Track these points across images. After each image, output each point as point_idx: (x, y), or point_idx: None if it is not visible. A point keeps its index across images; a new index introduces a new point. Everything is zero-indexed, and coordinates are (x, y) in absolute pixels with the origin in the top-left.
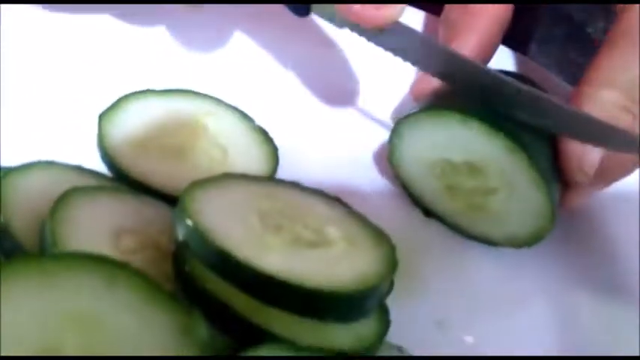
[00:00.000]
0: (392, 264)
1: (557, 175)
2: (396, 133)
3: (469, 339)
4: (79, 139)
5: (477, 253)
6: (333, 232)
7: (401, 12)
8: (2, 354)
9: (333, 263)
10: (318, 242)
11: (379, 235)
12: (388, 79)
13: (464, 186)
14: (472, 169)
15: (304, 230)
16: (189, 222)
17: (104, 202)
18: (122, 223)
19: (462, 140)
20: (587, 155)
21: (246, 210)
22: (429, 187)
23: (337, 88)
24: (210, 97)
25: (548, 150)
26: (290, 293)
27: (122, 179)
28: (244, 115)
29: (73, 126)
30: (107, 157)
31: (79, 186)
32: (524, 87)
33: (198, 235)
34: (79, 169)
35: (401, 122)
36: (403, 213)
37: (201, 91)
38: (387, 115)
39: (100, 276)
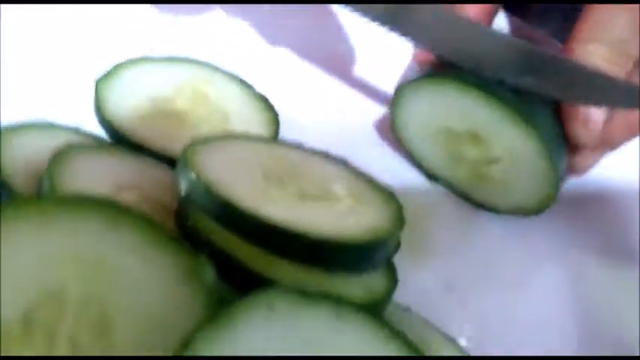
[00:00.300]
0: (400, 220)
1: (562, 142)
2: (397, 101)
3: (476, 302)
4: (76, 105)
5: (484, 218)
6: (339, 189)
7: None
8: (3, 297)
9: (340, 217)
10: (324, 197)
11: (386, 194)
12: (390, 47)
13: (467, 155)
14: (474, 138)
15: (309, 186)
16: (192, 175)
17: (104, 158)
18: (122, 179)
19: (463, 109)
20: (590, 115)
21: (248, 165)
22: (432, 154)
23: (337, 58)
24: (209, 65)
25: (553, 119)
26: (298, 243)
27: (121, 143)
28: (243, 83)
29: (70, 92)
30: (105, 120)
31: (79, 142)
32: (534, 47)
33: (202, 187)
34: (77, 131)
35: (401, 89)
36: (407, 179)
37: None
38: (388, 83)
39: (102, 218)
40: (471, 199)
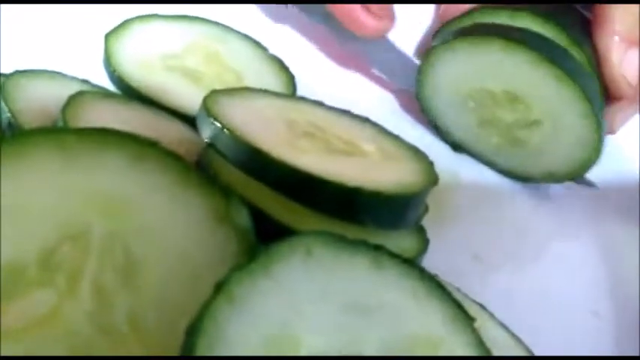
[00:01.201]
0: (432, 176)
1: (602, 101)
2: (427, 63)
3: (504, 274)
4: (83, 60)
5: (512, 188)
6: (366, 144)
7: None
8: (19, 237)
9: (371, 170)
10: (352, 152)
11: (416, 152)
12: (408, 14)
13: (502, 119)
14: (512, 99)
15: (336, 140)
16: (216, 122)
17: (117, 107)
18: (135, 129)
19: (505, 68)
20: (628, 57)
21: (272, 117)
22: (460, 122)
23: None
24: (220, 25)
25: (593, 76)
26: (331, 193)
27: (131, 97)
28: (257, 44)
29: (78, 48)
30: (115, 73)
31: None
32: None
33: (228, 134)
34: (87, 82)
35: (435, 50)
36: (430, 148)
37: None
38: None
39: (127, 153)
40: (500, 167)
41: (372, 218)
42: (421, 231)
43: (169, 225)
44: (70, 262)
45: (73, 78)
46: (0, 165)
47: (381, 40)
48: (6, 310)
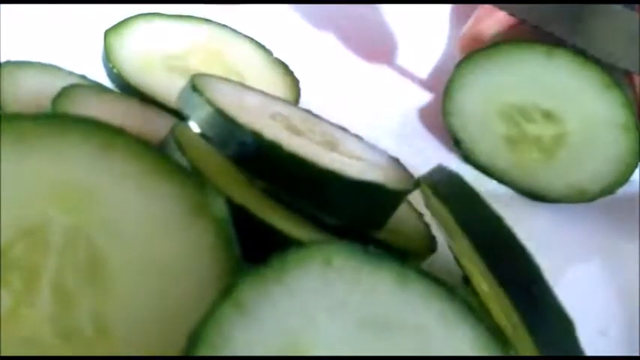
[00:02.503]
0: (407, 183)
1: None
2: (459, 74)
3: None
4: (81, 56)
5: (527, 206)
6: (348, 148)
7: None
8: None
9: (346, 165)
10: (333, 149)
11: (397, 162)
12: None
13: (532, 135)
14: (546, 112)
15: (319, 136)
16: (208, 107)
17: (110, 102)
18: (127, 123)
19: (545, 75)
20: None
21: (256, 105)
22: (487, 137)
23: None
24: (225, 26)
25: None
26: (301, 171)
27: (130, 94)
28: (261, 46)
29: (76, 43)
30: (113, 70)
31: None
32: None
33: (221, 119)
34: (84, 77)
35: (470, 59)
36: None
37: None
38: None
39: (92, 141)
40: (519, 186)
41: (337, 205)
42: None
43: (139, 217)
44: (27, 260)
45: (70, 72)
46: None
47: None
48: None
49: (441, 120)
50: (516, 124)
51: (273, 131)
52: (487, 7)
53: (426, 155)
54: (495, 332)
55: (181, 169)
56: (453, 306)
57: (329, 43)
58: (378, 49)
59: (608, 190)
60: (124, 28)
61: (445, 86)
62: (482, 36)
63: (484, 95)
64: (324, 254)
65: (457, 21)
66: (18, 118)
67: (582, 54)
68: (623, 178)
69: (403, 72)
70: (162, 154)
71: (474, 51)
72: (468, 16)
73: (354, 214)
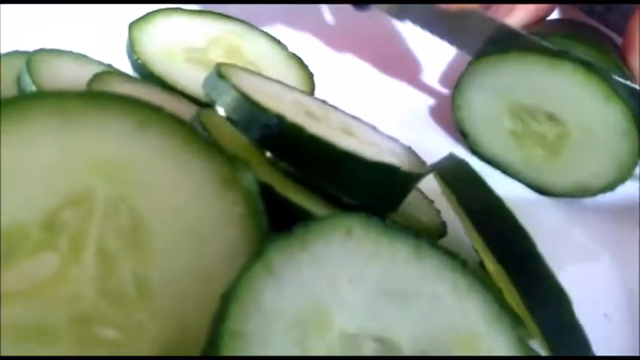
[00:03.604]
0: (421, 167)
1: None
2: (471, 72)
3: None
4: (105, 50)
5: (537, 201)
6: (364, 136)
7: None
8: (21, 200)
9: (363, 148)
10: (350, 135)
11: (411, 150)
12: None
13: (537, 133)
14: (551, 115)
15: (336, 124)
16: (234, 92)
17: (140, 89)
18: None
19: (551, 84)
20: None
21: (277, 93)
22: (493, 134)
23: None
24: (242, 22)
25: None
26: (321, 152)
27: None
28: (277, 41)
29: (101, 38)
30: (138, 60)
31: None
32: None
33: (246, 103)
34: (111, 67)
35: (482, 61)
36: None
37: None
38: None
39: (131, 118)
40: (529, 180)
41: (355, 185)
42: (438, 215)
43: (175, 189)
44: (73, 225)
45: (98, 62)
46: (0, 126)
47: None
48: (7, 273)
49: (450, 115)
50: (523, 121)
51: (295, 115)
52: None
53: (435, 149)
54: (505, 305)
55: (213, 146)
56: (465, 278)
57: (342, 40)
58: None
59: (609, 187)
60: (147, 23)
61: (456, 81)
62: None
63: (493, 93)
64: (346, 225)
65: None
66: (64, 94)
67: (587, 64)
68: (623, 177)
69: (416, 68)
70: (195, 131)
71: (486, 53)
72: None
73: (370, 194)
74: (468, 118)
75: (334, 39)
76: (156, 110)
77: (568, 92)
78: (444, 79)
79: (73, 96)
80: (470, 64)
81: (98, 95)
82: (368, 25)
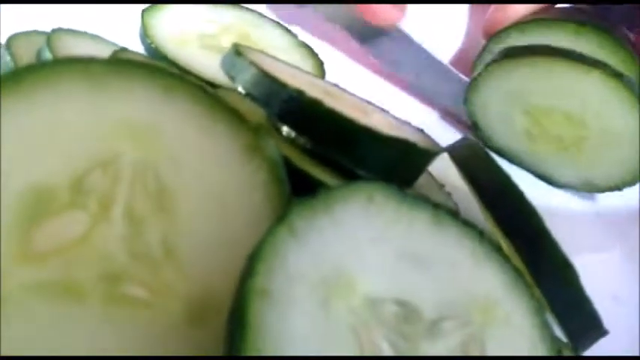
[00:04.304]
0: (434, 147)
1: None
2: (488, 72)
3: None
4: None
5: (547, 194)
6: (377, 116)
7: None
8: (50, 162)
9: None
10: (364, 115)
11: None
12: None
13: (553, 134)
14: (569, 116)
15: (351, 103)
16: (253, 68)
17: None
18: None
19: (573, 88)
20: None
21: (294, 73)
22: (507, 131)
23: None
24: (253, 11)
25: None
26: (339, 127)
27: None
28: (287, 30)
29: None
30: (152, 45)
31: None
32: None
33: (266, 79)
34: (125, 49)
35: (499, 63)
36: None
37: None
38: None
39: (156, 84)
40: (533, 170)
41: (371, 160)
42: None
43: (200, 155)
44: (102, 187)
45: (113, 43)
46: (29, 91)
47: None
48: (37, 232)
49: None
50: (538, 123)
51: (313, 92)
52: None
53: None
54: (522, 275)
55: (236, 114)
56: (483, 246)
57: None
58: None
59: (617, 187)
60: (159, 10)
61: (471, 79)
62: (506, 20)
63: (510, 95)
64: (367, 191)
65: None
66: (91, 60)
67: (617, 75)
68: (633, 181)
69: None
70: (219, 99)
71: (503, 56)
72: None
73: (386, 169)
74: (481, 114)
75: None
76: (180, 78)
77: (593, 99)
78: (458, 64)
79: (100, 62)
80: (488, 65)
81: (124, 62)
82: None
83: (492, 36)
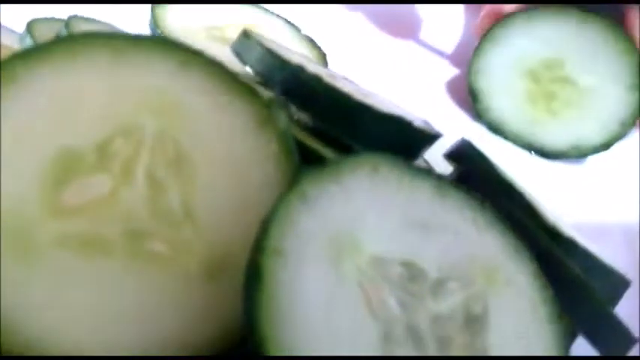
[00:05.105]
0: (434, 132)
1: None
2: (494, 33)
3: None
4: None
5: (543, 168)
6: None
7: None
8: (76, 127)
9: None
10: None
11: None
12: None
13: (549, 90)
14: (565, 79)
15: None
16: (259, 47)
17: None
18: None
19: (577, 37)
20: None
21: (303, 59)
22: (507, 93)
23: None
24: (258, 6)
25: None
26: (342, 104)
27: None
28: (290, 23)
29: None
30: (162, 34)
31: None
32: None
33: (271, 57)
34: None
35: (512, 18)
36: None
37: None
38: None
39: (174, 58)
40: (526, 142)
41: (369, 136)
42: None
43: (215, 126)
44: (125, 152)
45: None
46: (59, 60)
47: None
48: (66, 189)
49: (461, 94)
50: (538, 81)
51: (314, 68)
52: None
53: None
54: (524, 242)
55: (249, 88)
56: (484, 214)
57: (355, 20)
58: (403, 25)
59: (607, 145)
60: (168, 4)
61: (477, 44)
62: (502, 13)
63: (513, 57)
64: (372, 162)
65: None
66: (113, 35)
67: (610, 20)
68: (621, 134)
69: (426, 47)
70: (233, 75)
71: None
72: None
73: (382, 146)
74: (483, 80)
75: (346, 18)
76: (196, 52)
77: (592, 45)
78: (456, 59)
79: (120, 36)
80: (492, 29)
81: (143, 37)
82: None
83: (495, 24)
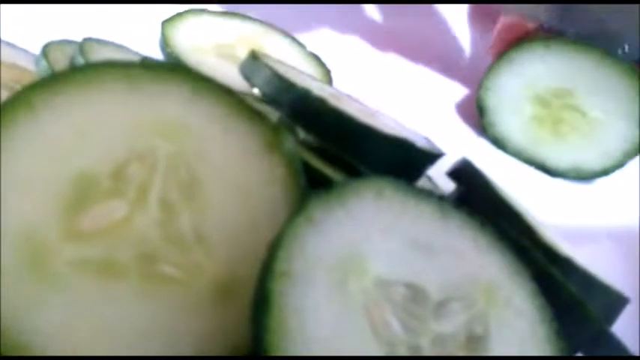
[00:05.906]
0: (436, 150)
1: None
2: (507, 58)
3: None
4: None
5: (547, 184)
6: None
7: None
8: (92, 152)
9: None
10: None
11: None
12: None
13: (557, 117)
14: (575, 100)
15: (356, 107)
16: (266, 70)
17: None
18: None
19: (580, 70)
20: None
21: (309, 81)
22: (518, 113)
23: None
24: (264, 22)
25: None
26: (346, 126)
27: None
28: (296, 41)
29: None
30: (172, 54)
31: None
32: None
33: (277, 79)
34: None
35: (517, 49)
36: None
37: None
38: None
39: (186, 86)
40: (531, 159)
41: (373, 158)
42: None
43: (225, 151)
44: (139, 177)
45: (136, 52)
46: (78, 88)
47: None
48: (83, 215)
49: (468, 109)
50: (548, 105)
51: (319, 91)
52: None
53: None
54: (523, 262)
55: (258, 113)
56: (485, 235)
57: (358, 38)
58: (409, 42)
59: (607, 172)
60: (179, 21)
61: (491, 62)
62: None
63: (527, 79)
64: (377, 186)
65: (476, 21)
66: (129, 63)
67: (615, 54)
68: (619, 165)
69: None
70: (242, 100)
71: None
72: (486, 15)
73: (387, 167)
74: (493, 97)
75: (350, 36)
76: (207, 80)
77: (606, 84)
78: (464, 77)
79: (136, 65)
80: (509, 51)
81: (158, 65)
82: (385, 22)
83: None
